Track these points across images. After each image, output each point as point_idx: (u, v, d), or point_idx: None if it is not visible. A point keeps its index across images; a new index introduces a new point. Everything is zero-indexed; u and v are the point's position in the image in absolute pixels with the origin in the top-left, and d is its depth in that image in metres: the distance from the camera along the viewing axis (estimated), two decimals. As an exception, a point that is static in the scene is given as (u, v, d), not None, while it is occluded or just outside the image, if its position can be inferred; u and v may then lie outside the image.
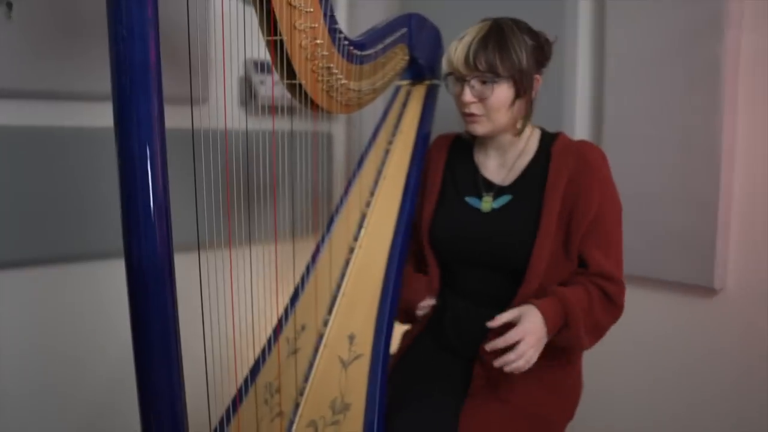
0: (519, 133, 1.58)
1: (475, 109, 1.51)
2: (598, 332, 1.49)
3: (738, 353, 1.85)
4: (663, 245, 1.91)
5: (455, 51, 1.50)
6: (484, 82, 1.49)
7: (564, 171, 1.51)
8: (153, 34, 0.96)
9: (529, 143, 1.60)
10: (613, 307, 1.48)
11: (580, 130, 2.08)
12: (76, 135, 1.84)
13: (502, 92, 1.49)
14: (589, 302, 1.44)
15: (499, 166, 1.62)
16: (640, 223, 1.89)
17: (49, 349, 1.87)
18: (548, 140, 1.59)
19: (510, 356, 1.33)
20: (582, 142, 1.57)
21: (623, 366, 2.05)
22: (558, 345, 1.44)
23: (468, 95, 1.50)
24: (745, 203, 1.83)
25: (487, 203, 1.58)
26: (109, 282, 1.73)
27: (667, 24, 1.86)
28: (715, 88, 1.78)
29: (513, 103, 1.51)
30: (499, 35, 1.48)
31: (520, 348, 1.33)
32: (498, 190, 1.58)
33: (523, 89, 1.51)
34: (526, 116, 1.58)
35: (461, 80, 1.51)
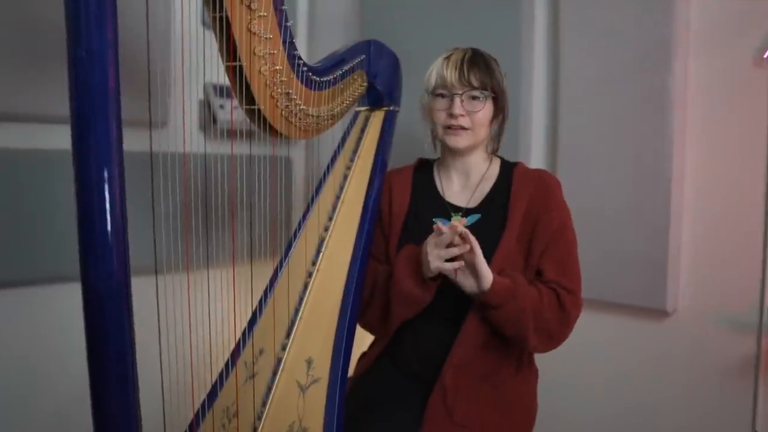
0: (494, 151, 1.68)
1: (463, 122, 1.58)
2: (546, 335, 1.52)
3: (690, 375, 1.89)
4: (616, 268, 1.95)
5: (446, 68, 1.58)
6: (474, 98, 1.57)
7: (524, 194, 1.58)
8: (113, 57, 0.96)
9: (490, 169, 1.67)
10: (564, 315, 1.51)
11: (535, 155, 2.13)
12: (31, 157, 1.82)
13: (488, 109, 1.59)
14: (539, 300, 1.49)
15: (463, 189, 1.68)
16: (593, 247, 1.93)
17: (4, 372, 1.83)
18: (509, 167, 1.67)
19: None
20: (540, 170, 1.67)
21: (577, 388, 2.07)
22: (504, 325, 1.49)
23: (459, 108, 1.56)
24: (695, 226, 1.88)
25: (456, 221, 1.61)
26: (64, 306, 1.70)
27: (618, 53, 1.92)
28: (665, 114, 1.84)
29: (492, 121, 1.61)
30: (483, 58, 1.60)
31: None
32: (465, 211, 1.63)
33: (501, 108, 1.62)
34: (499, 136, 1.68)
35: (450, 95, 1.57)
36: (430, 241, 1.46)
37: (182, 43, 1.27)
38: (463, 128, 1.58)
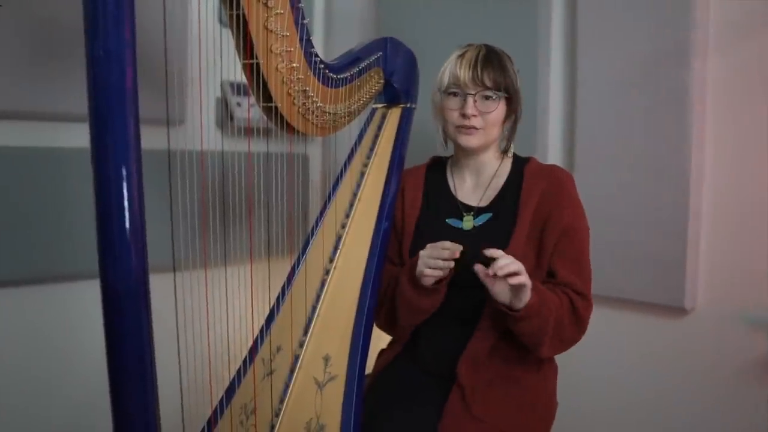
0: (505, 151, 1.65)
1: (475, 122, 1.56)
2: (560, 341, 1.51)
3: (709, 372, 1.88)
4: (634, 266, 1.93)
5: (460, 67, 1.56)
6: (487, 98, 1.55)
7: (536, 189, 1.57)
8: (130, 56, 0.96)
9: (502, 167, 1.66)
10: (578, 321, 1.51)
11: (552, 154, 2.11)
12: (50, 155, 1.83)
13: (501, 109, 1.57)
14: (560, 308, 1.47)
15: (475, 187, 1.66)
16: (612, 245, 1.92)
17: (20, 371, 1.84)
18: (521, 163, 1.66)
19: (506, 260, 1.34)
20: (553, 166, 1.66)
21: (596, 385, 2.06)
22: (523, 334, 1.46)
23: (472, 108, 1.55)
24: (714, 223, 1.86)
25: (468, 222, 1.61)
26: (82, 303, 1.71)
27: (636, 52, 1.90)
28: (683, 113, 1.82)
29: (505, 120, 1.60)
30: (497, 56, 1.58)
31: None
32: (477, 211, 1.61)
33: (514, 108, 1.60)
34: (511, 136, 1.65)
35: (463, 95, 1.56)
36: (426, 247, 1.46)
37: (199, 41, 1.28)
38: (475, 128, 1.57)
